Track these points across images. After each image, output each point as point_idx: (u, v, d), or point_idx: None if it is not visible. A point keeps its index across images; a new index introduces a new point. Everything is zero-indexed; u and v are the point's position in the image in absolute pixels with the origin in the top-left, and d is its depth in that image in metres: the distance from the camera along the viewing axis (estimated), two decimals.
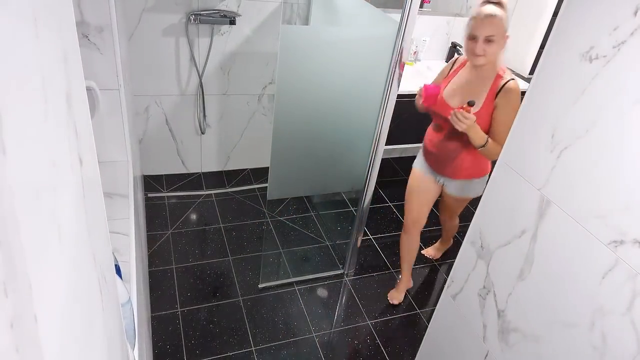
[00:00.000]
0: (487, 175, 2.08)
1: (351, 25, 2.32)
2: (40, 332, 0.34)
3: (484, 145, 1.82)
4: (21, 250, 0.31)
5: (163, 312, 2.22)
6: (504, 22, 1.74)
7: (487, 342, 1.48)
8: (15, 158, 0.30)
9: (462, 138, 1.90)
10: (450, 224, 2.66)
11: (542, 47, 3.04)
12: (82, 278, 0.52)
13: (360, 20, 2.26)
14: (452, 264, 1.63)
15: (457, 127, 1.77)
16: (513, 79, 1.82)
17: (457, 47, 3.19)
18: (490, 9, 1.73)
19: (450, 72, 2.01)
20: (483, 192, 1.72)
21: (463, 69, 1.97)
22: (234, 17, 2.62)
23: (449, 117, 1.79)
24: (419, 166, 2.27)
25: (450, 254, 2.85)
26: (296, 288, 2.50)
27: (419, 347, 1.91)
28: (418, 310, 2.48)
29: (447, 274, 1.83)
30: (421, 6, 2.88)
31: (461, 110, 1.75)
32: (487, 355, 1.48)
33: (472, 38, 1.76)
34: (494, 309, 1.43)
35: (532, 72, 3.16)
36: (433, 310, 1.83)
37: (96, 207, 0.64)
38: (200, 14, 2.56)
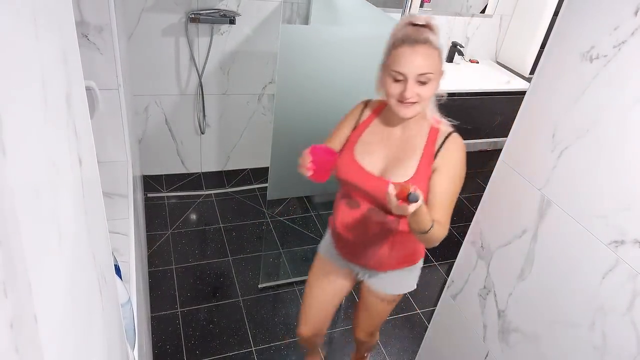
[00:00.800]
0: (422, 260, 1.51)
1: (351, 25, 2.32)
2: (40, 332, 0.34)
3: (427, 231, 1.16)
4: (21, 250, 0.31)
5: (163, 312, 2.22)
6: (440, 52, 1.20)
7: (488, 342, 1.48)
8: (15, 158, 0.30)
9: (388, 218, 1.33)
10: (370, 341, 1.81)
11: (542, 46, 3.04)
12: (82, 278, 0.52)
13: (360, 19, 2.26)
14: (452, 264, 1.63)
15: (397, 212, 1.09)
16: (454, 131, 1.30)
17: (458, 46, 3.19)
18: (422, 34, 1.16)
19: (360, 123, 1.37)
20: (416, 284, 1.51)
21: (378, 117, 1.35)
22: (233, 17, 2.62)
23: (386, 198, 1.09)
24: (326, 253, 1.58)
25: (450, 254, 2.85)
26: (296, 288, 2.50)
27: (419, 347, 1.91)
28: (418, 311, 2.48)
29: (447, 274, 1.83)
30: (421, 6, 2.88)
31: (401, 186, 1.09)
32: (487, 355, 1.48)
33: (397, 78, 1.17)
34: (494, 309, 1.43)
35: (532, 71, 3.16)
36: (433, 311, 1.83)
37: (96, 207, 0.64)
38: (200, 14, 2.56)
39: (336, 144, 1.40)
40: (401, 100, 1.18)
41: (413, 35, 1.15)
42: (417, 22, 1.19)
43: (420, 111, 1.23)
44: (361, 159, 1.32)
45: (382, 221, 1.33)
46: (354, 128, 1.38)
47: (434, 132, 1.29)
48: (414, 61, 1.15)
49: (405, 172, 1.27)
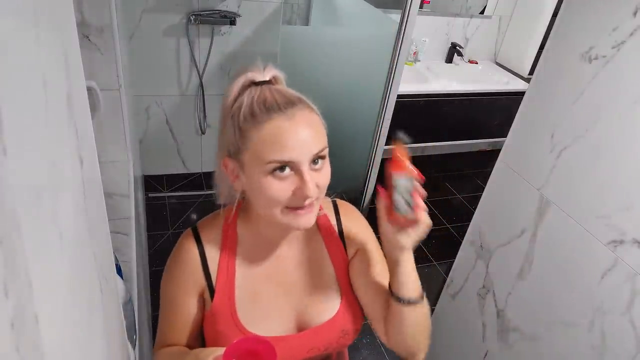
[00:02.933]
0: None
1: (351, 26, 2.32)
2: (41, 333, 0.34)
3: (418, 301, 0.81)
4: (22, 250, 0.31)
5: None
6: (318, 113, 0.77)
7: (487, 341, 1.48)
8: (16, 158, 0.31)
9: None
10: None
11: (541, 47, 3.05)
12: (83, 278, 0.52)
13: (360, 20, 2.26)
14: (452, 264, 1.63)
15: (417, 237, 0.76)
16: (333, 198, 0.93)
17: (457, 47, 3.19)
18: (284, 93, 0.75)
19: (218, 273, 0.83)
20: None
21: (239, 247, 0.85)
22: (234, 18, 2.62)
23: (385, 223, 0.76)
24: None
25: (449, 254, 2.85)
26: None
27: None
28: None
29: (447, 273, 1.83)
30: (421, 6, 2.88)
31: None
32: (486, 355, 1.48)
33: (280, 173, 0.72)
34: (493, 309, 1.43)
35: (531, 72, 3.16)
36: (432, 310, 1.83)
37: (97, 207, 0.64)
38: (200, 14, 2.56)
39: (184, 333, 0.84)
40: (300, 205, 0.73)
41: (276, 97, 0.73)
42: (261, 79, 0.76)
43: (318, 209, 0.78)
44: (265, 328, 0.82)
45: None
46: (209, 287, 0.82)
47: (323, 220, 0.89)
48: (302, 138, 0.71)
49: (328, 301, 0.87)
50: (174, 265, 0.85)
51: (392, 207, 0.70)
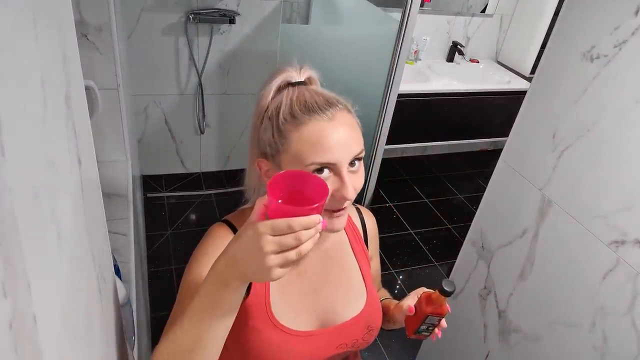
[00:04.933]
0: None
1: (351, 24, 2.32)
2: (40, 333, 0.34)
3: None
4: (20, 250, 0.31)
5: (163, 313, 2.22)
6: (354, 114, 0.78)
7: (488, 342, 1.47)
8: (14, 158, 0.30)
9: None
10: None
11: (543, 46, 3.04)
12: (81, 278, 0.51)
13: (360, 19, 2.26)
14: (453, 264, 1.63)
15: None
16: (356, 204, 0.98)
17: (458, 45, 3.19)
18: (323, 94, 0.75)
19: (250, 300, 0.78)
20: None
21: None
22: (233, 16, 2.62)
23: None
24: None
25: (450, 254, 2.85)
26: None
27: (419, 347, 1.91)
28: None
29: (448, 274, 1.82)
30: (422, 5, 2.88)
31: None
32: (487, 356, 1.48)
33: (319, 170, 0.71)
34: (494, 309, 1.43)
35: (533, 71, 3.16)
36: None
37: (95, 207, 0.63)
38: (199, 13, 2.56)
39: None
40: (338, 207, 0.73)
41: (316, 98, 0.72)
42: (297, 79, 0.76)
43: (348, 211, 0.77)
44: (296, 323, 0.81)
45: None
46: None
47: (348, 220, 0.91)
48: (343, 140, 0.71)
49: (355, 298, 0.88)
50: (209, 254, 0.77)
51: (417, 327, 0.84)
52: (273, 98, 0.75)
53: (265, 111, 0.75)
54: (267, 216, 0.57)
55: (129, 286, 1.26)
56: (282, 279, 0.67)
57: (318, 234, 0.57)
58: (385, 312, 0.94)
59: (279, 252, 0.55)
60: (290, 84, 0.75)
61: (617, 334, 1.06)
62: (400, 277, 2.67)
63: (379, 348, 2.25)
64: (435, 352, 1.79)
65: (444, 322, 0.84)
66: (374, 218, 0.99)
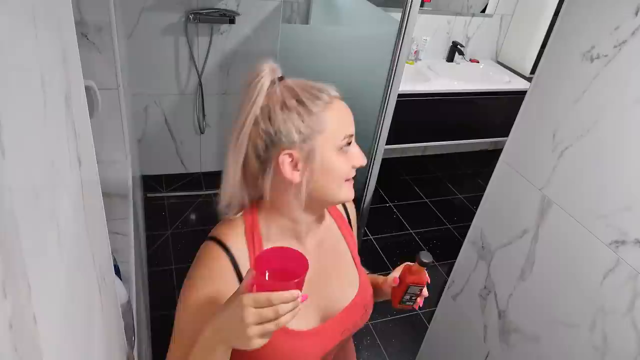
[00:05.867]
0: None
1: (351, 24, 2.32)
2: (40, 333, 0.34)
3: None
4: (20, 250, 0.31)
5: (163, 313, 2.22)
6: None
7: (488, 342, 1.47)
8: (14, 158, 0.30)
9: (350, 344, 1.05)
10: None
11: (543, 46, 3.04)
12: (81, 278, 0.51)
13: (360, 19, 2.26)
14: (453, 265, 1.63)
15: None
16: None
17: (458, 45, 3.19)
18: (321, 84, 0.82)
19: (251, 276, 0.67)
20: None
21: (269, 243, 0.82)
22: (233, 16, 2.62)
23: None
24: None
25: (450, 254, 2.85)
26: None
27: (419, 347, 1.91)
28: (418, 311, 2.48)
29: (448, 274, 1.82)
30: (422, 5, 2.88)
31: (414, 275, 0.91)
32: (487, 356, 1.48)
33: (345, 145, 0.79)
34: (494, 310, 1.43)
35: (533, 71, 3.16)
36: (433, 311, 1.83)
37: (95, 207, 0.63)
38: (199, 13, 2.56)
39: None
40: (352, 175, 0.81)
41: (317, 85, 0.80)
42: (280, 74, 0.81)
43: None
44: (300, 322, 0.82)
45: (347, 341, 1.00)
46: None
47: (333, 208, 0.96)
48: (350, 113, 0.81)
49: (350, 281, 0.93)
50: (205, 278, 0.79)
51: (400, 297, 0.90)
52: (267, 95, 0.76)
53: (267, 106, 0.76)
54: (254, 288, 0.63)
55: (129, 286, 1.26)
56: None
57: (298, 308, 0.62)
58: (373, 287, 0.99)
59: (259, 324, 0.61)
60: (279, 78, 0.79)
61: (617, 334, 1.06)
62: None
63: (378, 348, 2.25)
64: (436, 352, 1.79)
65: (425, 292, 0.91)
66: (352, 204, 1.03)
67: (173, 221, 2.81)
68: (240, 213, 0.82)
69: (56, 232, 0.41)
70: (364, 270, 0.97)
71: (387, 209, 3.15)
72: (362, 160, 0.80)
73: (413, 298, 0.91)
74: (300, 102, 0.76)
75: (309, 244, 0.87)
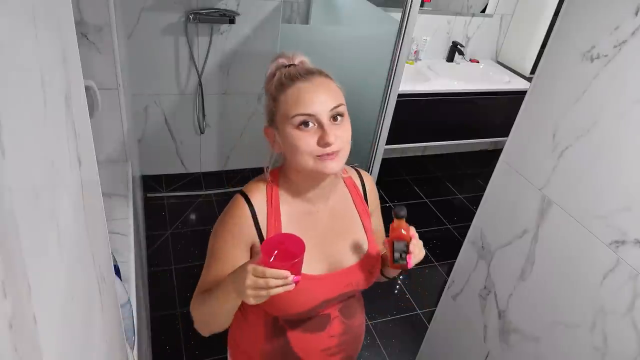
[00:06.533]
0: None
1: (351, 24, 2.32)
2: (39, 333, 0.34)
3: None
4: (20, 250, 0.31)
5: (163, 313, 2.22)
6: (336, 84, 0.94)
7: (488, 342, 1.47)
8: (14, 158, 0.30)
9: (358, 303, 1.15)
10: None
11: (543, 46, 3.04)
12: (81, 278, 0.51)
13: (360, 19, 2.26)
14: (453, 264, 1.63)
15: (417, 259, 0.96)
16: (356, 165, 1.13)
17: (458, 45, 3.19)
18: (307, 66, 0.94)
19: (268, 228, 0.96)
20: None
21: (284, 205, 0.98)
22: (233, 16, 2.62)
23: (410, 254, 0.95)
24: None
25: (450, 254, 2.85)
26: None
27: (419, 347, 1.91)
28: (418, 311, 2.48)
29: (448, 274, 1.82)
30: (422, 5, 2.88)
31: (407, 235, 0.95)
32: (487, 356, 1.48)
33: (305, 125, 0.87)
34: (494, 310, 1.43)
35: (533, 71, 3.16)
36: (433, 311, 1.83)
37: (95, 207, 0.63)
38: (199, 13, 2.56)
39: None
40: (322, 148, 0.86)
41: (299, 70, 0.90)
42: (289, 62, 0.94)
43: (345, 160, 0.92)
44: (309, 270, 0.95)
45: (357, 312, 1.13)
46: (260, 240, 0.95)
47: (349, 181, 1.07)
48: (319, 96, 0.87)
49: (358, 245, 1.04)
50: (227, 223, 0.96)
51: (391, 256, 0.94)
52: (272, 79, 0.93)
53: (267, 89, 0.94)
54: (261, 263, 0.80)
55: (129, 286, 1.26)
56: (297, 232, 0.91)
57: (291, 285, 0.79)
58: (384, 263, 1.09)
59: (253, 288, 0.78)
60: (285, 66, 0.93)
61: (617, 334, 1.06)
62: (401, 277, 2.67)
63: (378, 348, 2.25)
64: (436, 352, 1.79)
65: (412, 248, 0.93)
66: (372, 179, 1.14)
67: (173, 221, 2.81)
68: (268, 171, 0.99)
69: (56, 232, 0.41)
70: (374, 240, 1.07)
71: (387, 209, 3.14)
72: (325, 138, 0.86)
73: (403, 256, 0.94)
74: (271, 87, 0.92)
75: (321, 206, 1.01)
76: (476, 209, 1.48)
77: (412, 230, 0.96)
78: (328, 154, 0.87)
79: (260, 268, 0.77)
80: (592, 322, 1.11)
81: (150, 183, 3.07)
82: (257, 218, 0.95)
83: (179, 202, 2.98)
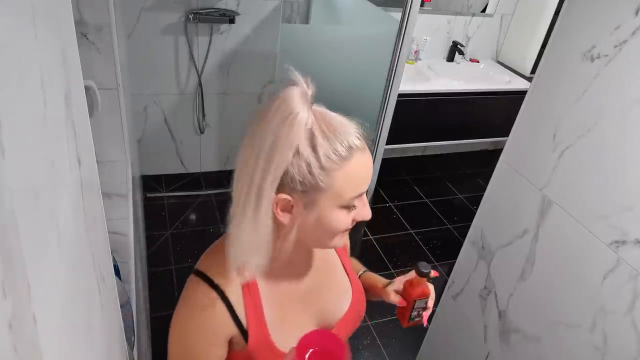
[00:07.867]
0: None
1: (352, 24, 2.32)
2: (39, 333, 0.34)
3: None
4: (20, 250, 0.31)
5: (162, 313, 2.22)
6: None
7: (488, 342, 1.47)
8: (14, 158, 0.30)
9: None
10: None
11: (543, 46, 3.04)
12: (81, 279, 0.51)
13: (360, 18, 2.26)
14: (453, 265, 1.63)
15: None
16: None
17: (458, 45, 3.19)
18: (349, 125, 0.71)
19: (247, 313, 0.77)
20: None
21: (262, 281, 0.80)
22: (233, 16, 2.62)
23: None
24: None
25: (451, 255, 2.85)
26: None
27: (419, 347, 1.91)
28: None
29: (448, 274, 1.82)
30: (422, 5, 2.88)
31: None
32: (488, 356, 1.48)
33: (353, 203, 0.71)
34: (495, 310, 1.43)
35: (533, 71, 3.16)
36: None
37: (95, 207, 0.63)
38: (199, 13, 2.56)
39: None
40: (351, 226, 0.74)
41: (348, 129, 0.69)
42: (305, 99, 0.70)
43: None
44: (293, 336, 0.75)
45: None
46: (241, 331, 0.76)
47: None
48: (369, 168, 0.71)
49: (343, 292, 0.91)
50: (195, 320, 0.76)
51: (409, 315, 0.89)
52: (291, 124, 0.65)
53: (292, 144, 0.65)
54: None
55: (129, 286, 1.26)
56: (278, 305, 0.79)
57: None
58: (370, 288, 0.97)
59: None
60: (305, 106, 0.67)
61: (618, 334, 1.06)
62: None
63: (379, 348, 2.25)
64: (436, 352, 1.79)
65: (430, 304, 0.89)
66: None
67: (173, 221, 2.81)
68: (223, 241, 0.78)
69: (56, 232, 0.41)
70: (355, 277, 0.95)
71: (387, 209, 3.14)
72: (366, 216, 0.73)
73: (420, 313, 0.90)
74: (314, 149, 0.65)
75: (303, 267, 0.85)
76: (476, 209, 1.48)
77: (431, 286, 0.88)
78: (348, 229, 0.74)
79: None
80: (592, 322, 1.11)
81: (150, 183, 3.07)
82: (232, 307, 0.75)
83: (179, 202, 2.98)
